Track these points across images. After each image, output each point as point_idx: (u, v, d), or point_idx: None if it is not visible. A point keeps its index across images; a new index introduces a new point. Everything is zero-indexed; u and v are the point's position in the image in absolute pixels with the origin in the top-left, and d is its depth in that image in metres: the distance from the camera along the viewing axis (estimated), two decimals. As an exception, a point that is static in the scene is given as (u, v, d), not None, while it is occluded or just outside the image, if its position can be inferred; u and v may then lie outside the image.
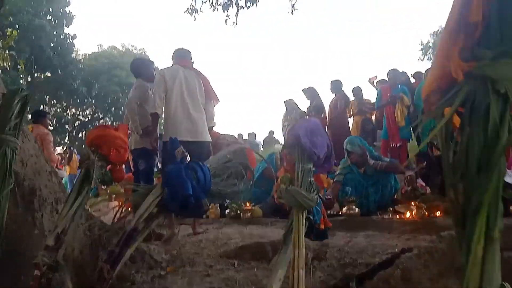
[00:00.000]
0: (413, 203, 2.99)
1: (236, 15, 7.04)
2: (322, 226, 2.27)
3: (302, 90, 7.38)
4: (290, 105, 7.70)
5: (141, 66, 4.44)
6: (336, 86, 7.20)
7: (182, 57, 4.29)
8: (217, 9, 7.19)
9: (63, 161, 10.57)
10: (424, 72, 6.63)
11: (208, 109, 4.23)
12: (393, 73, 6.38)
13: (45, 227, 2.47)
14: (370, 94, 7.60)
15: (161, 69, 4.21)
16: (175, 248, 3.26)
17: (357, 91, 7.15)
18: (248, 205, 4.03)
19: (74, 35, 22.35)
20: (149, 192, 2.29)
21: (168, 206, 2.27)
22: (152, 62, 4.68)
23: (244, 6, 7.00)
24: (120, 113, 22.99)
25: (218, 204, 4.47)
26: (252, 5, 7.00)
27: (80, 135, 25.68)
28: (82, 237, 2.76)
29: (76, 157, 10.41)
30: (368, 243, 2.59)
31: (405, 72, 6.84)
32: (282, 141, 7.94)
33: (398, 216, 3.13)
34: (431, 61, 22.06)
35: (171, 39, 58.87)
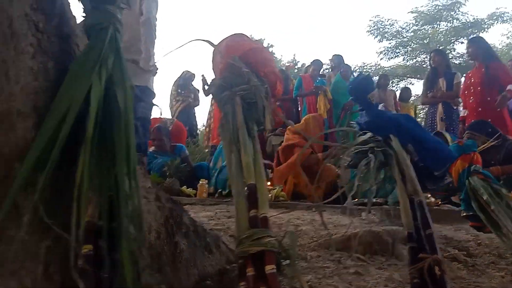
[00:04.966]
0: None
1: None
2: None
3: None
4: (189, 78, 6.79)
5: None
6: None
7: None
8: None
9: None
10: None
11: None
12: (316, 63, 6.33)
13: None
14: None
15: None
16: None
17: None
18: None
19: None
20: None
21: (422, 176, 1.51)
22: None
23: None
24: None
25: (207, 181, 3.48)
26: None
27: None
28: (155, 211, 1.69)
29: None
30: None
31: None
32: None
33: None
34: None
35: None
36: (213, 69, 1.67)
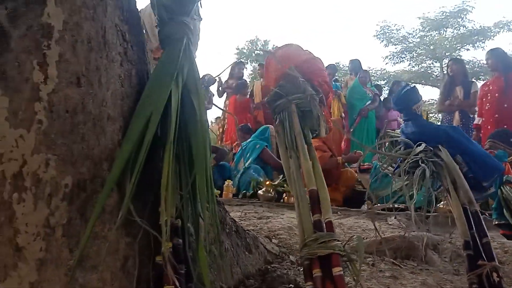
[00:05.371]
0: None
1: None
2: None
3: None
4: (209, 82, 6.82)
5: None
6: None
7: None
8: None
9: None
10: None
11: None
12: (331, 68, 6.39)
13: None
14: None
15: None
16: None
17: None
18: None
19: None
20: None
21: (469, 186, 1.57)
22: None
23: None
24: None
25: (231, 182, 3.54)
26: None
27: None
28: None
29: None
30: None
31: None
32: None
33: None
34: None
35: None
36: (265, 77, 1.73)
